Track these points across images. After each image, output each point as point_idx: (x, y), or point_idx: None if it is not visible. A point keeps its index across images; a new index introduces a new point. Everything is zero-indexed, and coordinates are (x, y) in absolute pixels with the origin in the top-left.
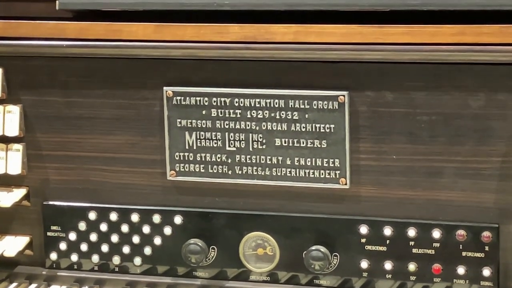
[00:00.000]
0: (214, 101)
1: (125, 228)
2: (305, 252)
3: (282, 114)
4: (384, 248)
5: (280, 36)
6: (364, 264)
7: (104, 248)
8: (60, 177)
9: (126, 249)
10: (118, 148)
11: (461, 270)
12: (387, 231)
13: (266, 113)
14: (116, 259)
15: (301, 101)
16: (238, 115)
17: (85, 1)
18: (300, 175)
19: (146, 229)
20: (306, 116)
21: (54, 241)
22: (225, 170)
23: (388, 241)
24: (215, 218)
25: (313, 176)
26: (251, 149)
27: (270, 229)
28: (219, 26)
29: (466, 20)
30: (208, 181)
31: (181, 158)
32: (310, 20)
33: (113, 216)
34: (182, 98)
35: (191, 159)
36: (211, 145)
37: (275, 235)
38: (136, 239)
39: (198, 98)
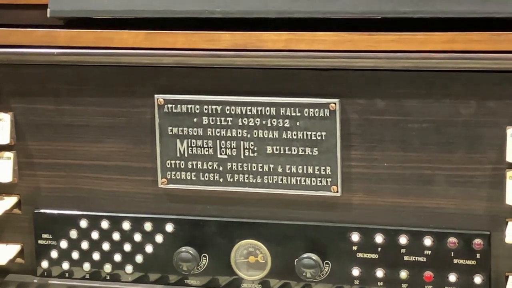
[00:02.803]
0: (205, 109)
1: (116, 236)
2: (296, 259)
3: (273, 121)
4: (375, 256)
5: (271, 43)
6: (355, 271)
7: (96, 256)
8: (51, 185)
9: (117, 257)
10: (109, 156)
11: (452, 277)
12: (379, 238)
13: (257, 121)
14: (107, 267)
15: (292, 108)
16: (229, 123)
17: (76, 9)
18: (292, 183)
19: (137, 237)
20: (297, 123)
21: (45, 249)
22: (216, 178)
23: (379, 249)
24: (206, 226)
25: (304, 183)
26: (242, 157)
27: (262, 237)
28: (210, 34)
29: (457, 27)
30: (200, 189)
31: (173, 166)
32: (301, 27)
33: (104, 224)
34: (173, 105)
35: (182, 166)
36: (203, 152)
37: (267, 242)
38: (127, 247)
39: (189, 106)
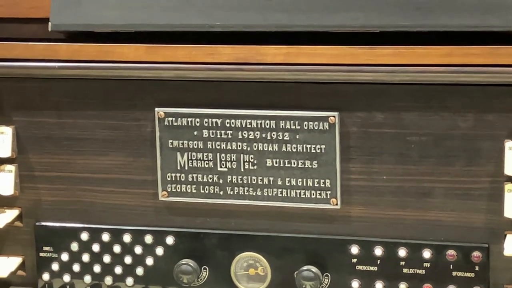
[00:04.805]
0: (206, 122)
1: (117, 248)
2: (296, 272)
3: (273, 134)
4: (375, 268)
5: (271, 57)
6: (355, 284)
7: (96, 268)
8: (53, 198)
9: (118, 270)
10: (110, 168)
11: None
12: (378, 251)
13: (257, 134)
14: (108, 280)
15: (292, 121)
16: (230, 136)
17: (77, 23)
18: (291, 196)
19: (138, 249)
20: (297, 136)
21: (46, 262)
22: (216, 191)
23: (379, 261)
24: (206, 239)
25: (304, 196)
26: (242, 170)
27: (262, 249)
28: (211, 48)
29: (455, 41)
30: (200, 201)
31: (173, 179)
32: (301, 41)
33: (105, 237)
34: (174, 119)
35: (182, 179)
36: (203, 165)
37: (267, 255)
38: (128, 259)
39: (189, 119)
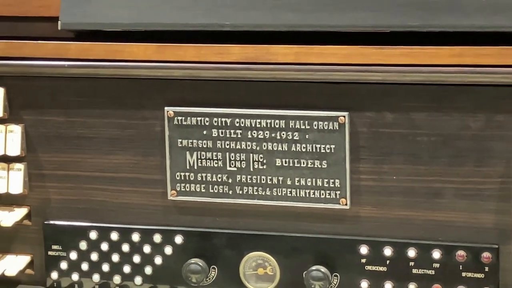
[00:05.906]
0: (215, 121)
1: (126, 247)
2: (305, 272)
3: (283, 134)
4: (384, 269)
5: (281, 57)
6: (364, 284)
7: (105, 267)
8: (61, 197)
9: (126, 269)
10: (119, 167)
11: None
12: (387, 251)
13: (266, 134)
14: (116, 279)
15: (301, 121)
16: (239, 135)
17: (87, 22)
18: (301, 195)
19: (146, 248)
20: (307, 136)
21: (55, 260)
22: (225, 190)
23: (388, 262)
24: (215, 238)
25: (313, 196)
26: (251, 169)
27: (271, 249)
28: (220, 47)
29: (466, 41)
30: (209, 201)
31: (182, 178)
32: (311, 41)
33: (114, 236)
34: (183, 118)
35: (192, 179)
36: (212, 165)
37: (276, 255)
38: (136, 258)
39: (199, 118)
